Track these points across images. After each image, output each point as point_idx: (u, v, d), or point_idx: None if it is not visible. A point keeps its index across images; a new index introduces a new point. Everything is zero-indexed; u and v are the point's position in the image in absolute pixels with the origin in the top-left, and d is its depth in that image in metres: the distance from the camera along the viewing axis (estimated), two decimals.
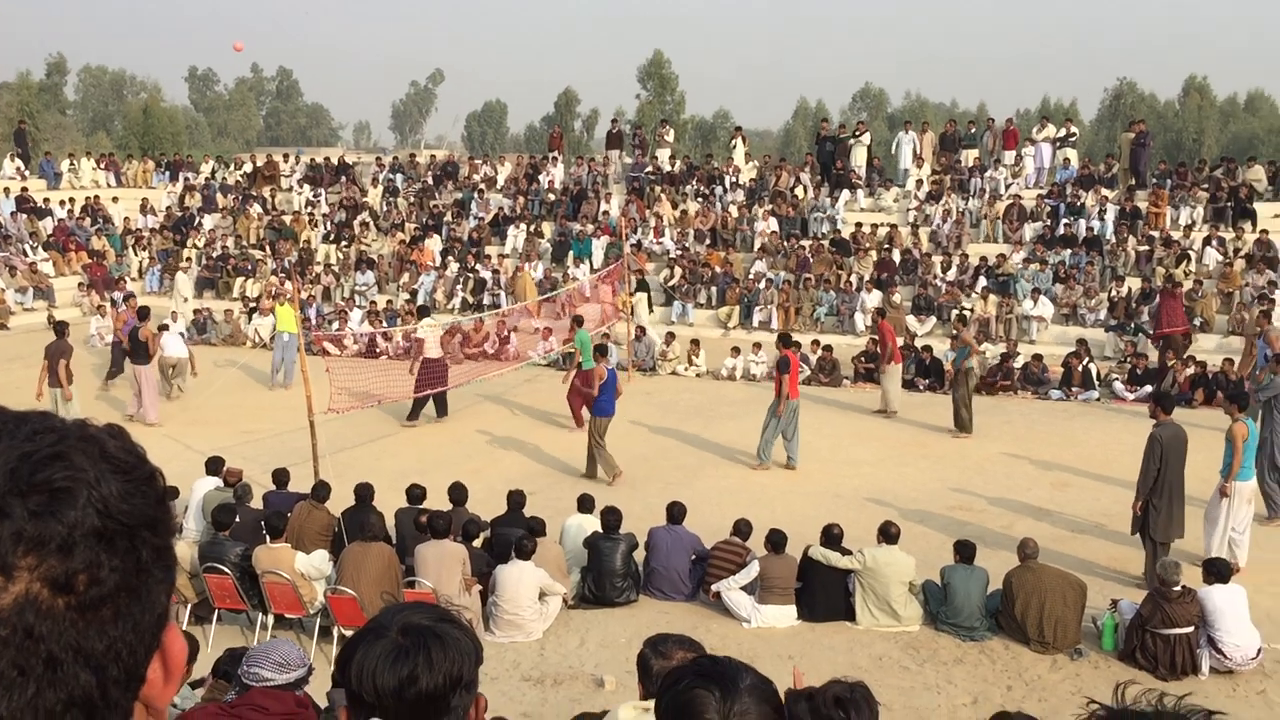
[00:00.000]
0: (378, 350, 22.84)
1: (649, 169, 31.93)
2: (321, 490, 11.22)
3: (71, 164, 35.13)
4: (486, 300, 26.72)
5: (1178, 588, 9.09)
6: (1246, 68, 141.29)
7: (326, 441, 13.88)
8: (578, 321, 18.37)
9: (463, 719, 1.88)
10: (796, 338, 21.88)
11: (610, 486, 14.15)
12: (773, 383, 15.62)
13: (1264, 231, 24.62)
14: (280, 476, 11.94)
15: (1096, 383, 19.54)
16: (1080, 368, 19.64)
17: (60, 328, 16.63)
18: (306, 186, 34.01)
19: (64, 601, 0.88)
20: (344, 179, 34.58)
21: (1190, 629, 8.93)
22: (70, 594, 0.88)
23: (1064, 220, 26.53)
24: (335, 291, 27.77)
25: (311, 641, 9.71)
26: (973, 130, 31.66)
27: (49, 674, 0.87)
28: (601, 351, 15.74)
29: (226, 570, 9.74)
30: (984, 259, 25.21)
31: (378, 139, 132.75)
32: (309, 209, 32.71)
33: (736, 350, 21.70)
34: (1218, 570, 9.35)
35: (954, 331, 17.94)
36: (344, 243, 30.35)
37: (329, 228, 31.29)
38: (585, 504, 11.60)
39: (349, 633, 9.45)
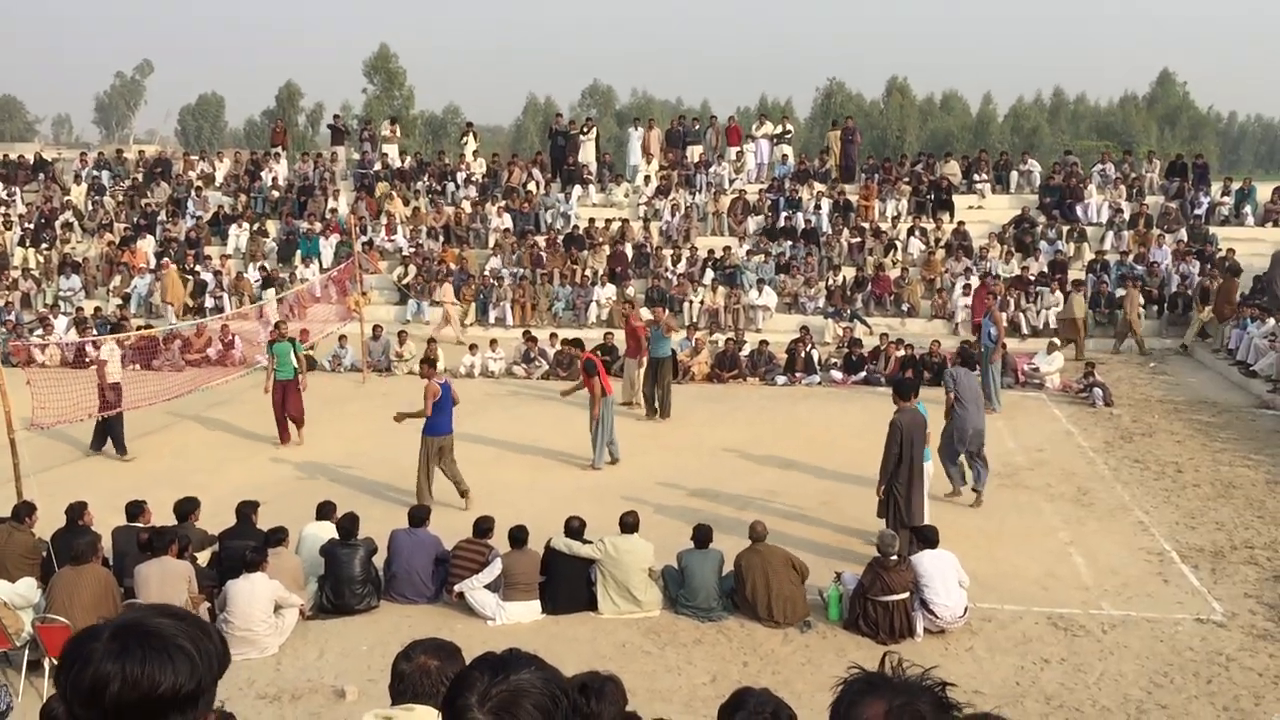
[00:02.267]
0: (88, 360, 21.25)
1: (377, 165, 31.23)
2: (23, 510, 10.34)
3: None
4: (209, 303, 25.42)
5: (894, 557, 9.73)
6: (942, 69, 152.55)
7: (31, 460, 12.80)
8: (278, 328, 16.92)
9: None
10: (534, 332, 22.12)
11: (464, 510, 12.71)
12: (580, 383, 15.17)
13: (960, 222, 26.70)
14: None
15: (818, 368, 20.62)
16: (803, 354, 20.68)
17: None
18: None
19: None
20: (43, 176, 32.04)
21: (906, 594, 9.57)
22: None
23: (784, 213, 27.86)
24: (36, 298, 25.71)
25: (19, 676, 8.94)
26: (697, 127, 32.72)
27: None
28: (430, 364, 14.37)
29: None
30: (711, 251, 26.13)
31: (80, 134, 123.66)
32: (3, 209, 30.08)
33: (474, 347, 21.57)
34: (926, 537, 10.06)
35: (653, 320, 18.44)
36: (44, 245, 28.10)
37: (26, 229, 28.87)
38: (324, 511, 11.23)
39: None
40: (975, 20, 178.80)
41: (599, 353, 18.70)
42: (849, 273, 25.34)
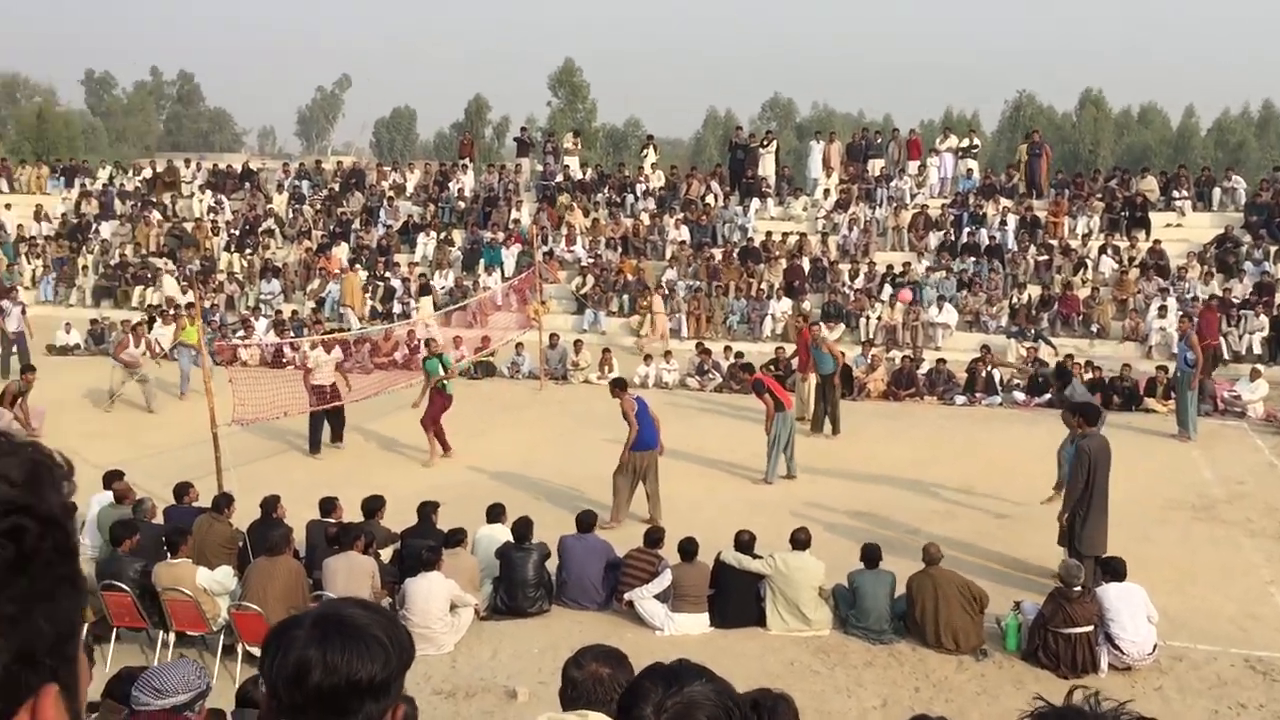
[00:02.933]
0: (284, 360, 22.40)
1: (559, 177, 31.90)
2: (222, 502, 10.96)
3: None
4: (396, 309, 26.42)
5: (1078, 588, 9.33)
6: (1140, 81, 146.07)
7: (231, 454, 13.55)
8: (428, 345, 17.03)
9: None
10: (708, 345, 22.17)
11: (611, 529, 12.51)
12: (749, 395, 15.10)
13: (1157, 241, 25.47)
14: (180, 490, 11.64)
15: (999, 388, 19.99)
16: (984, 374, 20.08)
17: None
18: (209, 193, 33.28)
19: None
20: (248, 185, 33.92)
21: (1090, 628, 9.16)
22: None
23: (967, 229, 27.14)
24: (239, 300, 27.22)
25: (215, 659, 9.47)
26: (879, 140, 32.22)
27: None
28: (620, 385, 13.88)
29: (125, 588, 9.46)
30: (890, 267, 25.67)
31: (283, 145, 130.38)
32: (211, 216, 32.01)
33: (649, 358, 21.75)
34: (1114, 569, 9.62)
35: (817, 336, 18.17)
36: (248, 250, 29.76)
37: (232, 235, 30.65)
38: (495, 514, 11.51)
39: (255, 650, 9.25)
40: (1176, 28, 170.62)
41: (771, 368, 18.60)
42: (1034, 291, 24.48)
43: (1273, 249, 24.87)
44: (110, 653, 9.52)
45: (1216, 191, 27.99)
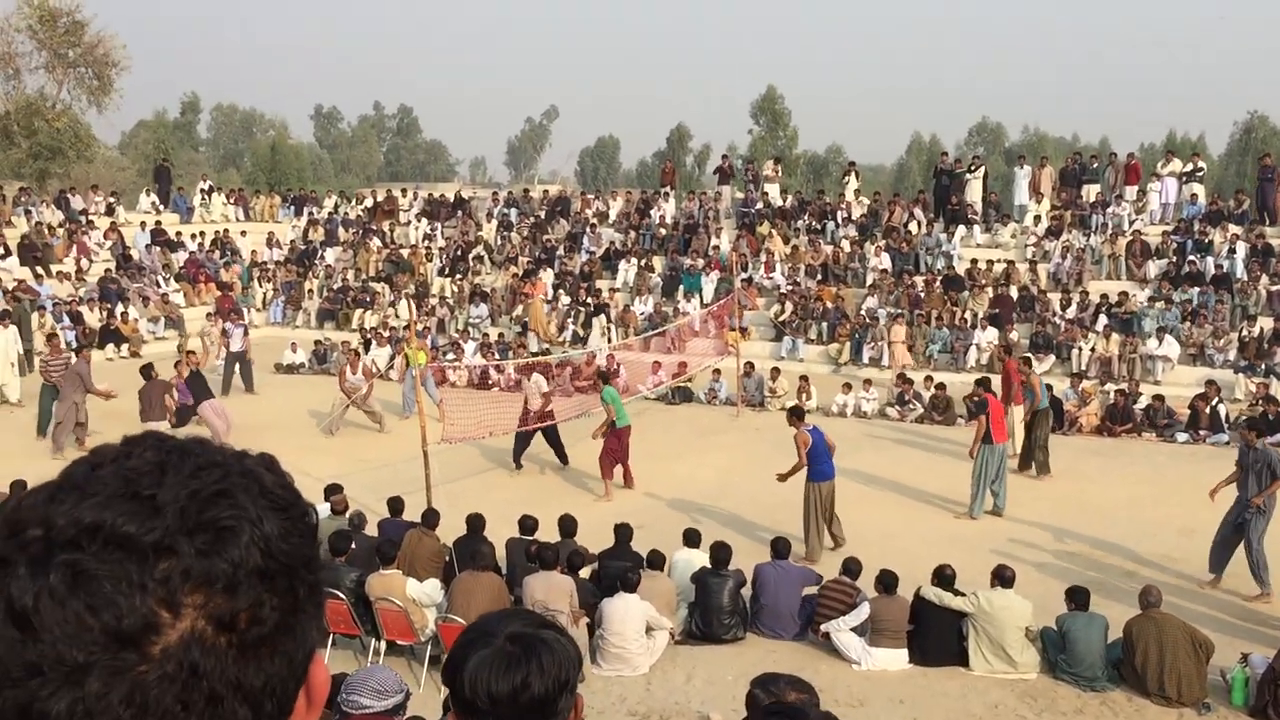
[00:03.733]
0: (490, 382, 23.15)
1: (759, 204, 31.91)
2: (431, 517, 11.40)
3: (203, 199, 36.55)
4: (597, 334, 26.94)
5: None
6: None
7: (439, 471, 14.09)
8: (603, 378, 17.14)
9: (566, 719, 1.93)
10: (910, 374, 21.69)
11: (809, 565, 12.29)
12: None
13: None
14: (395, 504, 12.17)
15: (1226, 426, 18.77)
16: (1208, 409, 18.90)
17: (147, 371, 17.42)
18: (424, 221, 34.84)
19: (226, 639, 0.89)
20: (460, 213, 35.31)
21: None
22: (233, 632, 0.89)
23: (1190, 257, 25.68)
24: (450, 324, 28.31)
25: (423, 668, 9.84)
26: (1095, 165, 30.91)
27: (210, 710, 0.88)
28: (797, 415, 13.54)
29: (341, 596, 9.94)
30: (1105, 296, 24.53)
31: (493, 174, 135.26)
32: (426, 243, 33.48)
33: (848, 386, 21.45)
34: None
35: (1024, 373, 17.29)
36: (459, 275, 30.95)
37: (445, 261, 31.95)
38: (692, 539, 11.55)
39: None
40: None
41: (978, 386, 17.91)
42: (1266, 323, 22.90)
43: None
44: (326, 659, 10.00)
45: None
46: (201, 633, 0.87)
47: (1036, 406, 16.72)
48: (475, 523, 11.30)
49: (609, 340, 25.97)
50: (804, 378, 21.86)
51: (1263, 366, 21.43)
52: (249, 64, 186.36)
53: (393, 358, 24.01)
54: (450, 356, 25.37)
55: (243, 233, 34.75)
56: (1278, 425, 18.37)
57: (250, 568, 0.90)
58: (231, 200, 37.62)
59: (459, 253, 32.27)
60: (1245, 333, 22.64)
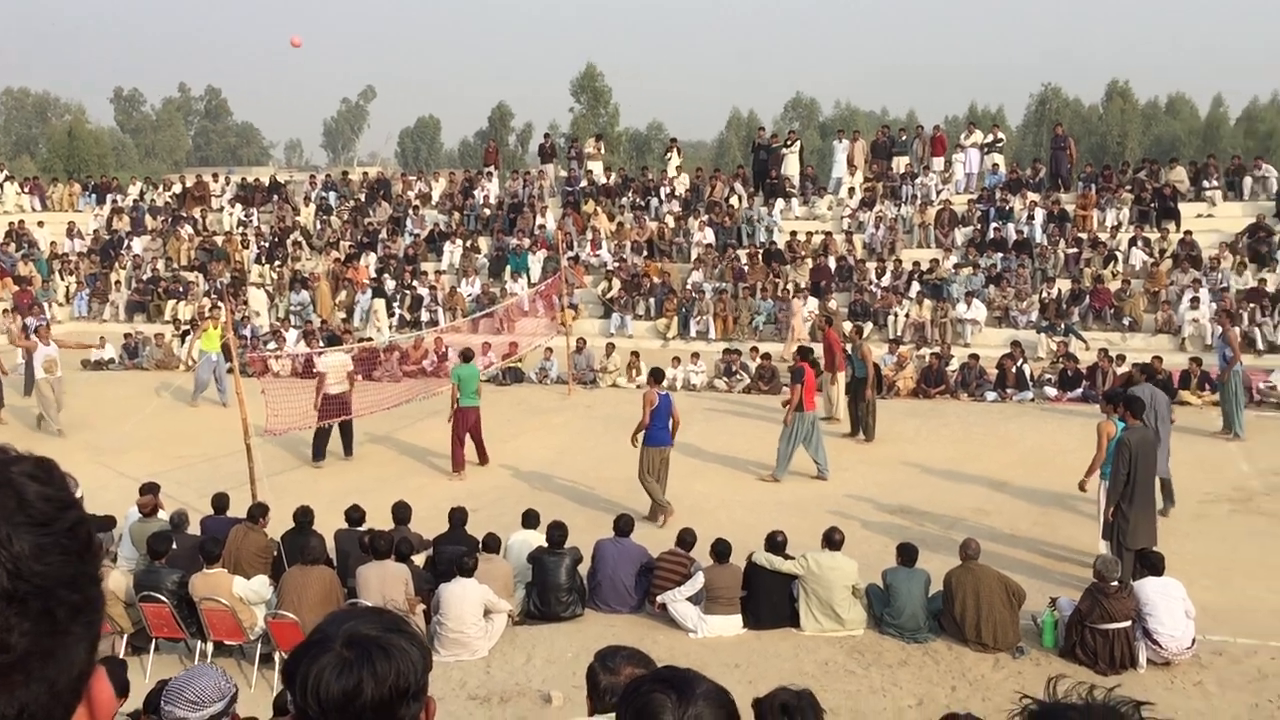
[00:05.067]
0: (315, 370, 22.50)
1: (584, 182, 31.95)
2: (257, 512, 11.05)
3: None
4: (425, 317, 26.56)
5: (1115, 583, 9.26)
6: (1167, 72, 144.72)
7: (264, 464, 13.67)
8: (463, 356, 16.74)
9: None
10: (736, 346, 22.15)
11: (660, 529, 12.70)
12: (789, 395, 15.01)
13: (1188, 232, 25.22)
14: (219, 501, 11.73)
15: (1030, 384, 19.86)
16: (1014, 369, 19.95)
17: None
18: (238, 206, 33.57)
19: None
20: (276, 198, 34.19)
21: (1127, 623, 9.08)
22: None
23: (994, 224, 26.98)
24: (270, 312, 27.41)
25: (253, 668, 9.55)
26: (903, 137, 32.06)
27: None
28: (656, 377, 14.02)
29: (163, 599, 9.55)
30: (917, 264, 25.55)
31: (310, 157, 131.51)
32: (241, 229, 32.29)
33: (676, 360, 21.75)
34: (1151, 563, 9.53)
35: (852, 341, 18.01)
36: (277, 262, 29.98)
37: (261, 248, 30.90)
38: (530, 520, 11.54)
39: None
40: (1203, 17, 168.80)
41: (798, 355, 18.43)
42: (1064, 285, 24.29)
43: None
44: (149, 664, 9.62)
45: (1247, 181, 27.68)
46: None
47: (857, 375, 17.32)
48: (303, 515, 10.99)
49: (401, 325, 25.62)
50: (635, 354, 22.08)
51: (1062, 326, 22.72)
52: (40, 45, 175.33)
53: (193, 341, 23.04)
54: (272, 345, 24.58)
55: (40, 223, 32.79)
56: (1077, 381, 19.55)
57: None
58: (26, 189, 35.49)
59: (276, 239, 31.25)
60: (1045, 294, 23.96)
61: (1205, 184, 27.50)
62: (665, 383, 20.83)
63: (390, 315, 26.66)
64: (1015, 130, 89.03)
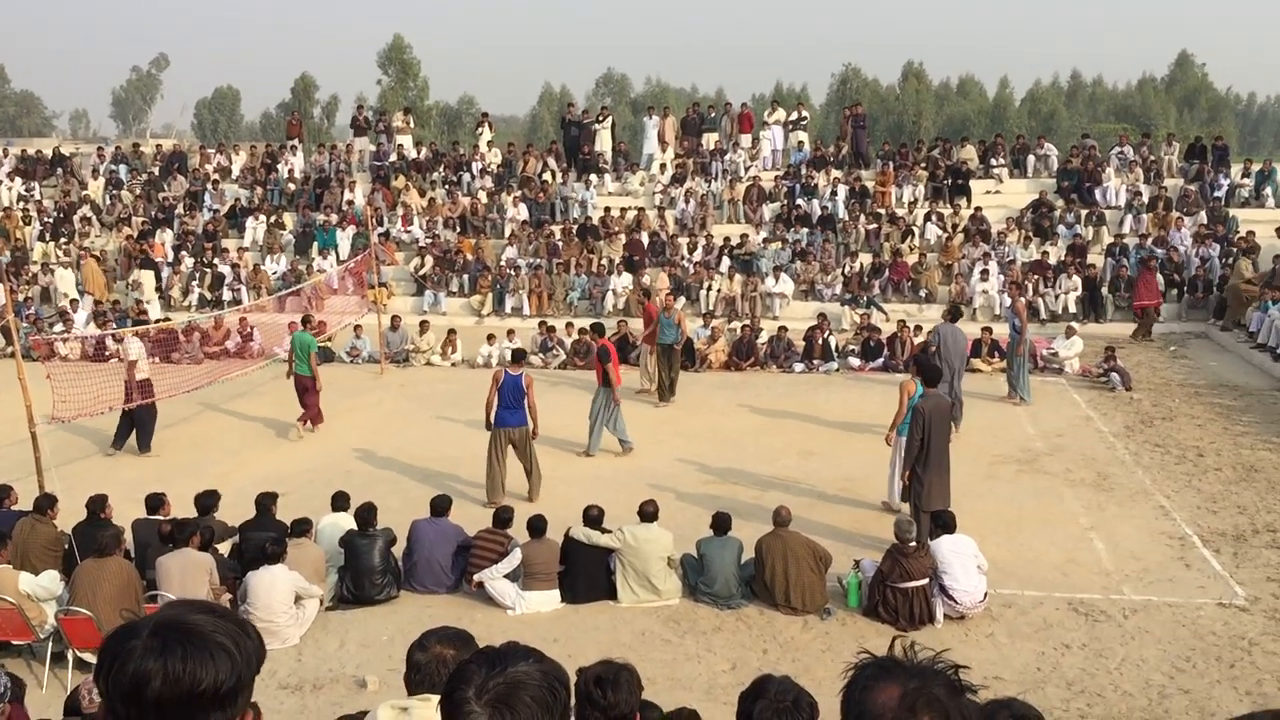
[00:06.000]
0: (107, 353, 21.37)
1: (393, 156, 31.26)
2: (44, 502, 10.41)
3: None
4: (227, 296, 25.53)
5: (912, 543, 9.70)
6: (958, 53, 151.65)
7: (51, 453, 12.89)
8: (305, 321, 17.10)
9: None
10: (551, 322, 22.13)
11: (484, 509, 12.29)
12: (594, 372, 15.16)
13: (978, 207, 26.56)
14: (0, 494, 11.01)
15: (835, 355, 20.56)
16: (820, 341, 20.61)
17: None
18: (18, 180, 31.45)
19: None
20: (61, 171, 32.20)
21: (925, 580, 9.54)
22: None
23: (799, 200, 27.75)
24: (55, 292, 25.83)
25: (44, 667, 9.02)
26: (713, 114, 32.61)
27: None
28: (517, 358, 13.45)
29: None
30: (727, 239, 26.07)
31: (98, 128, 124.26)
32: (22, 204, 30.25)
33: (491, 337, 21.58)
34: (943, 522, 10.03)
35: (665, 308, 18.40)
36: (63, 239, 28.25)
37: (46, 224, 29.04)
38: (339, 502, 11.28)
39: (86, 656, 8.85)
40: (991, 2, 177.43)
41: (591, 334, 18.57)
42: (866, 259, 25.25)
43: (1083, 212, 26.23)
44: None
45: (1031, 159, 29.36)
46: None
47: (667, 340, 17.62)
48: (95, 505, 10.44)
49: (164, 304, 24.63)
50: (452, 331, 21.81)
51: (864, 298, 23.61)
52: None
53: None
54: (58, 328, 23.18)
55: None
56: (879, 351, 20.35)
57: None
58: None
59: (62, 214, 29.42)
60: (848, 268, 24.83)
61: (993, 162, 29.01)
62: (481, 360, 20.76)
63: (159, 288, 25.64)
64: (819, 109, 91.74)
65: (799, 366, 20.35)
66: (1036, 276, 23.60)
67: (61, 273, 25.87)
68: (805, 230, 26.46)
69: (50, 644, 9.11)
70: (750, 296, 24.02)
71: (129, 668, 1.69)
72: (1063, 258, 24.40)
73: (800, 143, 30.97)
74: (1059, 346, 19.89)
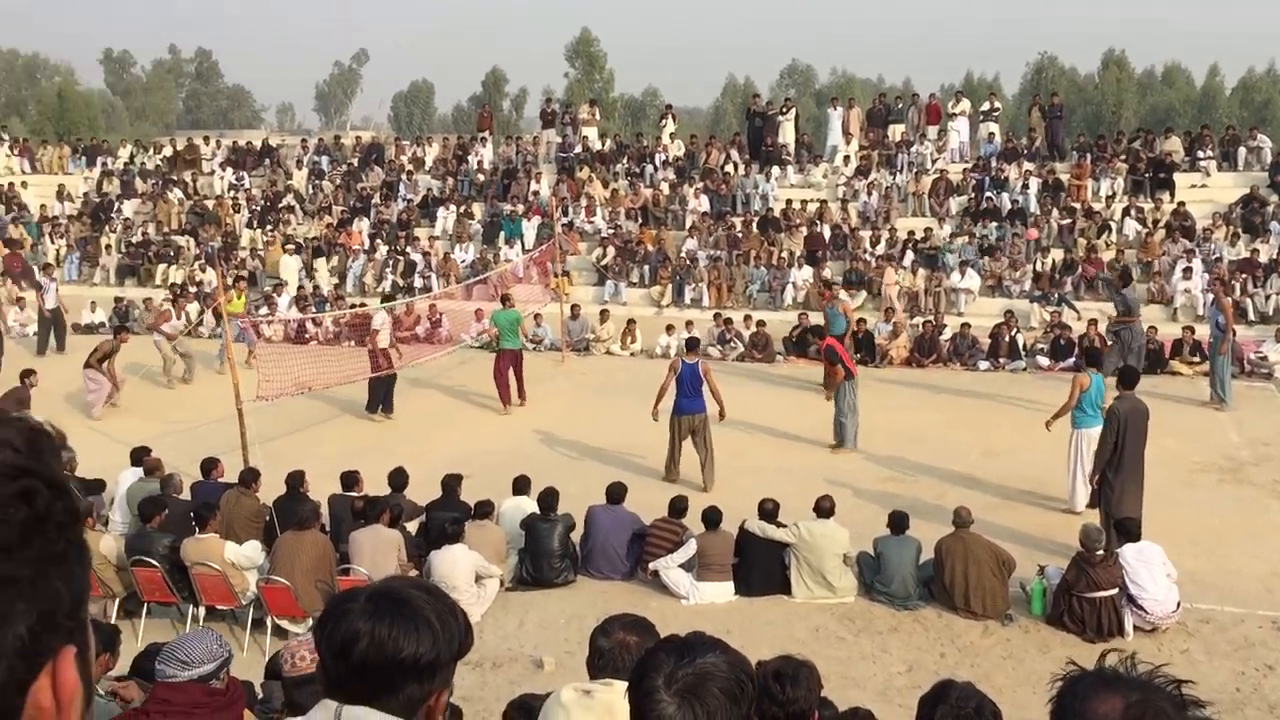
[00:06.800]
0: (307, 336, 22.49)
1: (578, 148, 31.78)
2: (248, 476, 11.05)
3: None
4: (417, 283, 26.46)
5: (1100, 552, 9.31)
6: (1164, 39, 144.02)
7: (256, 430, 13.64)
8: (504, 300, 18.14)
9: (413, 711, 1.80)
10: (728, 314, 22.11)
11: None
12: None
13: (1181, 202, 25.19)
14: (206, 466, 11.72)
15: (1023, 353, 19.88)
16: (1007, 339, 19.96)
17: None
18: (229, 170, 33.35)
19: None
20: (268, 162, 33.98)
21: (1114, 591, 9.14)
22: None
23: (988, 194, 26.90)
24: (261, 277, 27.31)
25: (245, 632, 9.58)
26: (899, 106, 31.93)
27: None
28: (691, 346, 14.18)
29: (155, 563, 9.56)
30: (911, 233, 25.51)
31: (302, 121, 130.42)
32: (232, 193, 32.09)
33: (670, 328, 21.72)
34: (1125, 529, 9.59)
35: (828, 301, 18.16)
36: (269, 227, 29.84)
37: (253, 212, 30.73)
38: (521, 486, 11.57)
39: (283, 623, 9.35)
40: None
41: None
42: (1058, 255, 24.27)
43: None
44: (141, 628, 9.64)
45: (1241, 151, 27.61)
46: None
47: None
48: (294, 480, 11.01)
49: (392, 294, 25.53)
50: (631, 321, 22.06)
51: (1055, 296, 22.72)
52: (28, 4, 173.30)
53: (202, 313, 23.15)
54: (263, 311, 24.50)
55: (24, 184, 32.56)
56: (1069, 351, 19.57)
57: None
58: (15, 151, 35.19)
59: (268, 203, 31.08)
60: (1038, 264, 23.94)
61: (1200, 154, 27.43)
62: (659, 350, 20.94)
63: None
64: (1012, 100, 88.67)
65: (984, 364, 19.76)
66: (1245, 275, 22.24)
67: (286, 260, 27.07)
68: (994, 225, 25.64)
69: (251, 610, 9.67)
70: (934, 292, 23.44)
71: (342, 626, 1.80)
72: (1274, 256, 22.89)
73: (991, 135, 30.01)
74: (1268, 350, 18.72)
